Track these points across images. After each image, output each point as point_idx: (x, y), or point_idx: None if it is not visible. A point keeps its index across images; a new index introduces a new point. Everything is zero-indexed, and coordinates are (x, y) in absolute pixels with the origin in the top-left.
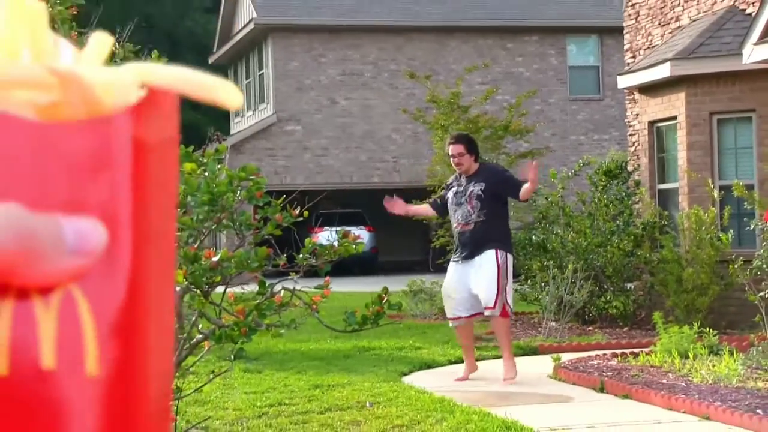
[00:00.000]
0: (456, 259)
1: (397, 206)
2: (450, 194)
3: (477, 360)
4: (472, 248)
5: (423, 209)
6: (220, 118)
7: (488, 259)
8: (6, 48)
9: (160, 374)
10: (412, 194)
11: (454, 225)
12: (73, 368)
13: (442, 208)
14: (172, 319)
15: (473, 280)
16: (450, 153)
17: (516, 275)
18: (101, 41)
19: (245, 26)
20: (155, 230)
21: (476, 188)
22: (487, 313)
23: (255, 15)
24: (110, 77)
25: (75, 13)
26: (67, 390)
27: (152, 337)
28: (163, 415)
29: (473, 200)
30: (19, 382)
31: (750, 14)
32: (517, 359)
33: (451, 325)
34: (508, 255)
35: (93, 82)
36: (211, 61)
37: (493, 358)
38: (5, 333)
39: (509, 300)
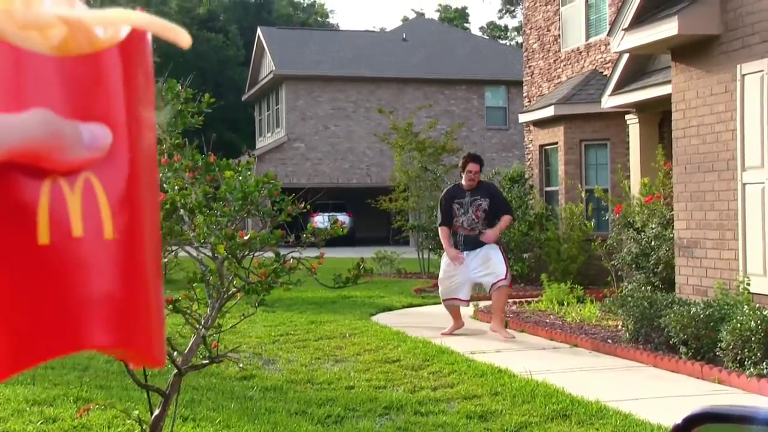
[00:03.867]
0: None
1: (459, 259)
2: (455, 205)
3: (419, 306)
4: (475, 246)
5: (447, 236)
6: (249, 138)
7: (494, 248)
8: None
9: (152, 236)
10: (379, 191)
11: (458, 228)
12: (96, 234)
13: (449, 220)
14: (158, 198)
15: (481, 267)
16: (468, 169)
17: None
18: None
19: (267, 75)
20: (142, 131)
21: (483, 203)
22: (500, 284)
23: (274, 68)
24: (104, 18)
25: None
26: (93, 251)
27: (146, 209)
28: (157, 269)
29: (479, 212)
30: (58, 247)
31: (606, 75)
32: None
33: (447, 304)
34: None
35: (92, 23)
36: (243, 98)
37: (432, 304)
38: (46, 211)
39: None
